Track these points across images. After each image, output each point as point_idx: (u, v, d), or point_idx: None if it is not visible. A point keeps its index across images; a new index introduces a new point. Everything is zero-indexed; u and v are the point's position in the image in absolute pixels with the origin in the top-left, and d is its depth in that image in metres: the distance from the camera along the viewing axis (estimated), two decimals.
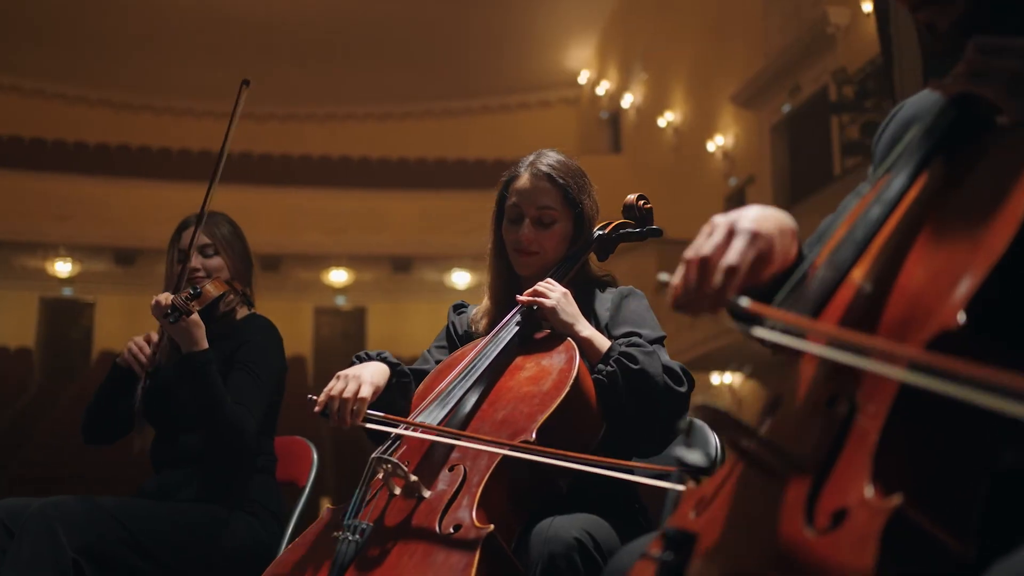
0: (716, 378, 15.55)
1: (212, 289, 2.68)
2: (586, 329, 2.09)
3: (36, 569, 2.26)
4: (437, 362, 2.34)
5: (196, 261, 2.77)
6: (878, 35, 8.14)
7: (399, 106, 21.72)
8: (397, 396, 2.19)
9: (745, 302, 1.14)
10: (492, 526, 1.74)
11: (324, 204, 19.26)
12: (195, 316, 2.57)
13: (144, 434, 2.79)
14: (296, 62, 19.90)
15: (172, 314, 2.54)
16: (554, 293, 2.12)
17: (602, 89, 20.64)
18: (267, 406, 2.68)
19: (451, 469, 1.91)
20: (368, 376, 2.10)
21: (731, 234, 1.21)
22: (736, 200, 15.97)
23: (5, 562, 2.31)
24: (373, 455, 1.94)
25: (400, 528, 1.83)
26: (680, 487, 1.65)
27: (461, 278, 20.07)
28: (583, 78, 21.54)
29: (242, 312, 2.86)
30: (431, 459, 1.94)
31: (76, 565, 2.31)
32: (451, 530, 1.78)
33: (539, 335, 2.13)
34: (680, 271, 1.22)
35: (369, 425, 2.04)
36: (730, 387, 15.47)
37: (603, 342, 2.07)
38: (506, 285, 2.35)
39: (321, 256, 19.45)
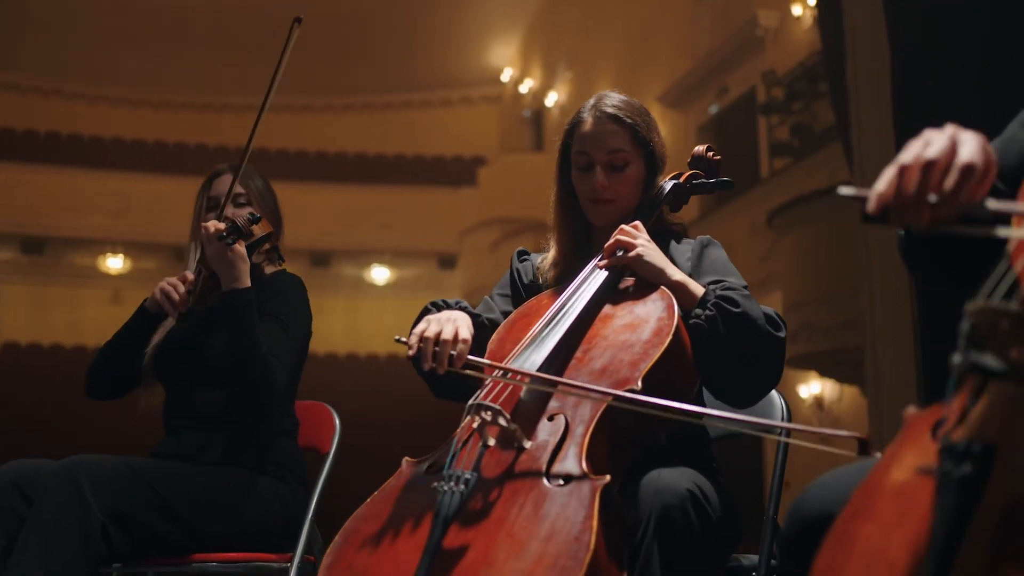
0: None
1: (259, 229, 2.51)
2: (677, 273, 1.98)
3: (62, 533, 2.07)
4: (502, 311, 2.22)
5: (228, 211, 2.60)
6: (820, 32, 8.21)
7: (318, 98, 21.34)
8: (476, 346, 2.06)
9: (992, 203, 1.07)
10: (608, 476, 1.63)
11: None
12: (242, 250, 2.41)
13: (150, 393, 2.61)
14: (211, 51, 19.41)
15: (230, 235, 2.36)
16: (640, 239, 2.02)
17: (525, 87, 20.61)
18: (295, 365, 2.52)
19: (551, 419, 1.79)
20: (463, 320, 1.96)
21: (954, 141, 1.13)
22: None
23: (26, 526, 2.11)
24: (470, 402, 1.81)
25: (502, 479, 1.70)
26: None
27: (380, 274, 19.84)
28: (506, 76, 21.48)
29: (270, 268, 2.69)
30: (526, 408, 1.82)
31: (103, 529, 2.13)
32: (561, 481, 1.66)
33: (623, 284, 2.02)
34: (888, 178, 1.14)
35: (469, 371, 1.90)
36: None
37: (696, 287, 1.97)
38: (576, 236, 2.24)
39: None
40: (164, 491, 2.25)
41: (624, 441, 1.81)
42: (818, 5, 8.19)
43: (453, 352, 1.88)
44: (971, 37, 4.65)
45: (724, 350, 1.90)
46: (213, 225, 2.41)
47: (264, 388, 2.37)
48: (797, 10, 12.60)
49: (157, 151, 19.78)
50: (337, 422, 2.63)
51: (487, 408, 1.75)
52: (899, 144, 4.43)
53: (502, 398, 1.82)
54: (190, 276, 2.52)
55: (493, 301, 2.27)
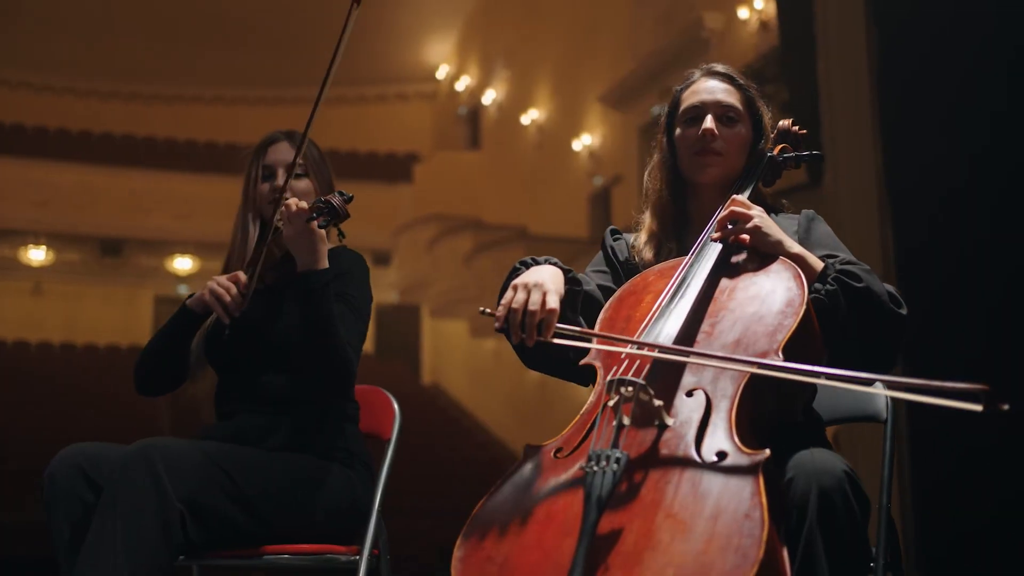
0: None
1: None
2: (795, 246, 1.93)
3: (140, 519, 1.93)
4: (598, 285, 2.13)
5: (282, 180, 2.45)
6: (780, 30, 8.24)
7: (251, 91, 20.97)
8: (566, 307, 1.97)
9: None
10: (767, 451, 1.57)
11: (170, 188, 18.40)
12: (321, 230, 2.26)
13: (199, 379, 2.47)
14: (142, 38, 18.92)
15: (321, 217, 2.21)
16: (755, 210, 1.95)
17: (462, 85, 20.50)
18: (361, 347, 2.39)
19: (689, 394, 1.71)
20: (551, 283, 1.86)
21: None
22: (601, 199, 16.12)
23: (100, 511, 1.96)
24: (608, 377, 1.72)
25: (648, 458, 1.62)
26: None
27: None
28: (442, 73, 21.36)
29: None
30: (661, 384, 1.74)
31: (180, 517, 1.99)
32: (715, 458, 1.59)
33: (736, 257, 1.95)
34: None
35: (558, 341, 1.81)
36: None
37: (815, 260, 1.92)
38: (674, 209, 2.17)
39: (166, 242, 18.58)
40: (240, 479, 2.11)
41: (764, 419, 1.74)
42: (779, 3, 8.23)
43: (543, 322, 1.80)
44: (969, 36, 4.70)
45: (844, 326, 1.84)
46: (295, 203, 2.26)
47: (343, 374, 2.26)
48: (743, 13, 12.71)
49: (82, 140, 19.23)
50: (396, 407, 2.52)
51: (629, 383, 1.66)
52: (885, 141, 4.40)
53: (641, 375, 1.74)
54: (243, 277, 2.34)
55: (589, 277, 2.18)
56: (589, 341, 1.85)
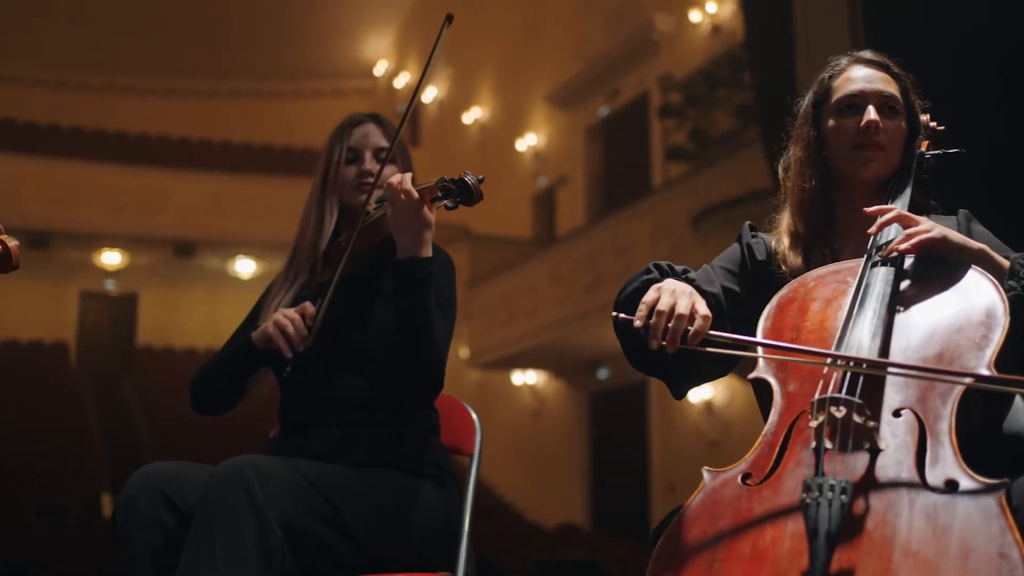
0: (519, 377, 15.45)
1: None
2: (975, 243, 1.75)
3: (239, 549, 1.68)
4: (723, 287, 1.93)
5: (370, 164, 2.24)
6: (746, 34, 8.14)
7: (183, 83, 20.41)
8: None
9: None
10: (1008, 480, 1.39)
11: (99, 180, 17.76)
12: (431, 217, 2.02)
13: (256, 384, 2.22)
14: (72, 24, 18.27)
15: (452, 196, 1.95)
16: (926, 222, 1.76)
17: (401, 82, 20.20)
18: None
19: (897, 415, 1.52)
20: (695, 292, 1.70)
21: None
22: (546, 199, 15.98)
23: (191, 538, 1.70)
24: (816, 397, 1.52)
25: (867, 487, 1.43)
26: None
27: (246, 266, 19.08)
28: (380, 69, 21.02)
29: None
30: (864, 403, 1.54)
31: (280, 546, 1.74)
32: (944, 487, 1.40)
33: (915, 262, 1.77)
34: None
35: (710, 348, 1.64)
36: (532, 387, 15.41)
37: (999, 257, 1.74)
38: (824, 210, 1.96)
39: (95, 235, 17.93)
40: (337, 502, 1.86)
41: (972, 442, 1.57)
42: (743, 9, 8.11)
43: (689, 328, 1.63)
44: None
45: None
46: (401, 178, 2.03)
47: (435, 377, 2.01)
48: (695, 16, 12.66)
49: (5, 129, 18.56)
50: (475, 417, 2.30)
51: (843, 402, 1.47)
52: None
53: (856, 393, 1.53)
54: (310, 309, 2.10)
55: (715, 274, 1.97)
56: (745, 349, 1.68)
